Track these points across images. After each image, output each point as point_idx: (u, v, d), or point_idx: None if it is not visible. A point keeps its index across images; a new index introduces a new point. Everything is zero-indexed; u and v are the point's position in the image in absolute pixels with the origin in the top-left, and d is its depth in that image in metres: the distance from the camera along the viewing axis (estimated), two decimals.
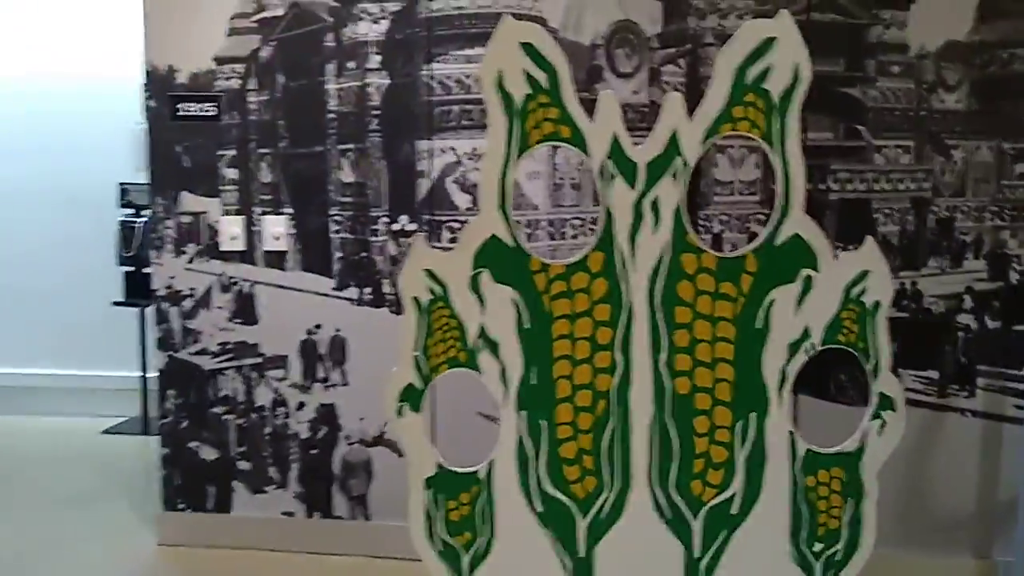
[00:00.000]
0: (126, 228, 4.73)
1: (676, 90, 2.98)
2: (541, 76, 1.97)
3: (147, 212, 4.25)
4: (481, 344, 2.04)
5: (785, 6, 2.92)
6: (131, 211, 4.75)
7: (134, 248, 4.72)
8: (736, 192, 2.91)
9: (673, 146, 1.99)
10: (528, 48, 1.96)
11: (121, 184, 4.77)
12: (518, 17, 2.97)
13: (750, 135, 2.00)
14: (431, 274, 2.03)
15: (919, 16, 2.83)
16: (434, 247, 2.14)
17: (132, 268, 4.73)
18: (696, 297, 2.03)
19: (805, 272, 2.00)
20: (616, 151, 1.99)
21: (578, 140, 1.99)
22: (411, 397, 2.06)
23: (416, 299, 2.03)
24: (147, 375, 4.81)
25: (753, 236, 2.99)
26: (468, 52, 3.04)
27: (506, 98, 1.98)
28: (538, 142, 2.00)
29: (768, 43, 1.96)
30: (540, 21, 3.00)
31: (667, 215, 2.00)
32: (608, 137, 1.99)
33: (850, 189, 2.88)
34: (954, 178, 2.87)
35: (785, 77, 1.97)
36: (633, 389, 2.03)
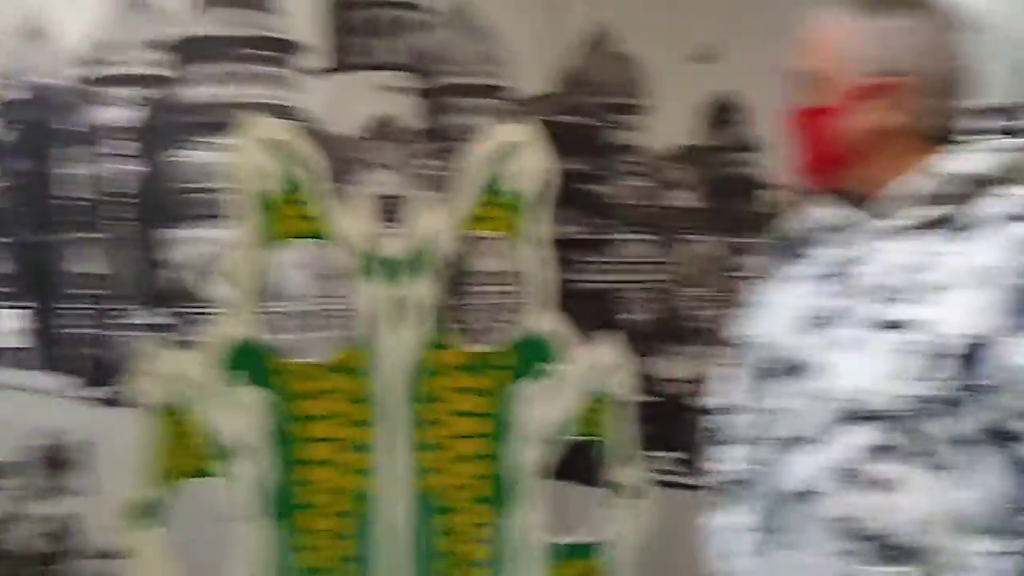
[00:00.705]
0: None
1: (432, 182, 3.05)
2: (296, 173, 1.96)
3: None
4: (228, 449, 1.95)
5: (532, 108, 3.11)
6: None
7: None
8: (491, 285, 2.99)
9: (427, 244, 2.02)
10: (282, 145, 1.95)
11: None
12: (278, 108, 2.97)
13: (497, 234, 2.07)
14: (174, 377, 1.93)
15: (657, 120, 3.07)
16: (181, 344, 2.04)
17: None
18: (450, 393, 2.05)
19: (551, 366, 2.08)
20: (371, 248, 2.00)
21: (332, 237, 1.99)
22: (150, 511, 1.93)
23: (156, 404, 1.93)
24: None
25: (490, 325, 3.08)
26: (222, 141, 2.97)
27: (259, 194, 1.94)
28: (291, 238, 1.98)
29: (516, 147, 2.06)
30: (300, 113, 2.99)
31: (421, 311, 2.03)
32: (363, 234, 2.00)
33: (598, 280, 3.04)
34: (692, 269, 3.09)
35: (532, 180, 2.07)
36: (389, 489, 2.01)
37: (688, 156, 3.08)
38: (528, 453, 2.06)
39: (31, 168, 2.97)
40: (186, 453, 1.93)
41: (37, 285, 2.98)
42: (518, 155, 2.05)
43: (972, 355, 1.10)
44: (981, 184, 1.17)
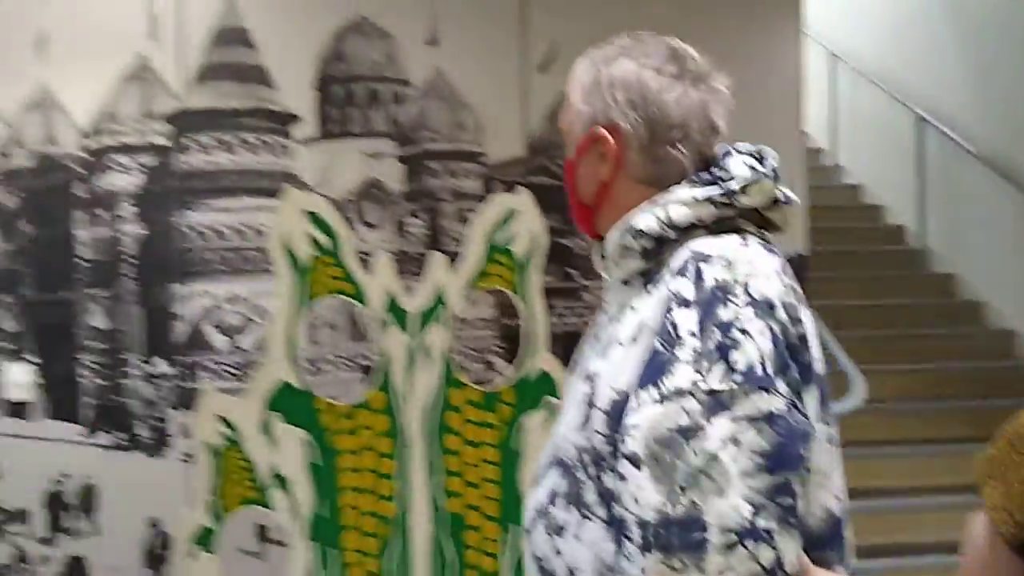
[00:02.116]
0: None
1: (416, 240, 3.36)
2: (324, 239, 2.25)
3: None
4: (273, 482, 2.21)
5: (506, 171, 3.45)
6: None
7: None
8: (475, 328, 3.30)
9: (439, 298, 2.34)
10: (312, 215, 2.24)
11: None
12: (274, 175, 3.24)
13: (501, 288, 2.40)
14: (223, 419, 2.19)
15: None
16: (222, 392, 2.30)
17: None
18: (464, 426, 2.36)
19: (550, 399, 2.41)
20: (391, 303, 2.30)
21: (358, 294, 2.29)
22: (205, 539, 2.17)
23: (208, 443, 2.18)
24: None
25: (489, 364, 3.40)
26: (224, 203, 3.23)
27: (292, 258, 2.23)
28: (321, 296, 2.27)
29: (512, 213, 2.40)
30: (293, 177, 3.27)
31: (436, 356, 2.33)
32: (384, 291, 2.30)
33: (570, 323, 3.39)
34: None
35: (527, 241, 2.41)
36: (413, 512, 2.30)
37: None
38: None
39: (38, 231, 3.17)
40: (236, 486, 2.18)
41: (44, 340, 3.17)
42: (516, 219, 2.39)
43: (613, 411, 1.09)
44: (677, 233, 1.13)
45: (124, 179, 3.19)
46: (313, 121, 3.30)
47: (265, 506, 2.16)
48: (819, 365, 1.13)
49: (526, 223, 2.37)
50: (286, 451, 2.17)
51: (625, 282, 1.16)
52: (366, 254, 3.21)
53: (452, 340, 2.30)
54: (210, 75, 3.24)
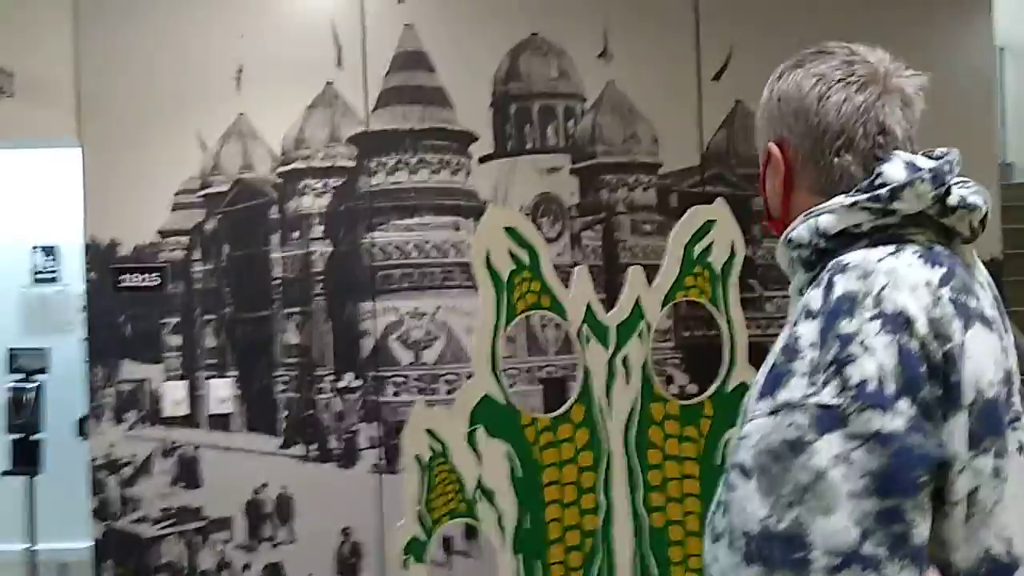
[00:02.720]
0: (15, 394, 4.59)
1: (593, 252, 3.38)
2: (523, 255, 2.28)
3: (39, 377, 4.21)
4: (479, 495, 2.25)
5: (677, 183, 3.43)
6: (20, 376, 4.63)
7: (23, 415, 4.58)
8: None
9: (637, 311, 2.34)
10: (511, 232, 2.28)
11: (10, 349, 4.65)
12: (454, 192, 3.32)
13: (699, 300, 2.38)
14: (431, 433, 2.25)
15: None
16: (431, 406, 2.36)
17: (21, 435, 4.57)
18: (664, 440, 2.34)
19: None
20: (590, 317, 2.32)
21: (558, 308, 2.31)
22: (415, 549, 2.23)
23: (418, 457, 2.24)
24: (36, 547, 4.58)
25: (670, 377, 3.37)
26: (407, 221, 3.33)
27: (494, 274, 2.27)
28: (523, 311, 2.30)
29: (709, 224, 2.37)
30: (473, 195, 3.34)
31: (636, 370, 2.33)
32: (583, 305, 2.32)
33: (751, 334, 3.32)
34: None
35: (724, 252, 2.38)
36: (615, 526, 2.30)
37: None
38: None
39: (236, 252, 3.35)
40: (445, 498, 2.23)
41: (242, 356, 3.34)
42: (712, 233, 2.36)
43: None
44: (833, 242, 1.09)
45: (314, 201, 3.34)
46: (490, 139, 3.37)
47: (473, 518, 2.20)
48: (988, 388, 1.02)
49: (723, 233, 2.34)
50: (491, 464, 2.21)
51: (801, 292, 1.13)
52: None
53: (652, 354, 2.29)
54: (392, 99, 3.35)
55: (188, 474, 3.30)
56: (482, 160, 3.36)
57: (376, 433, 3.33)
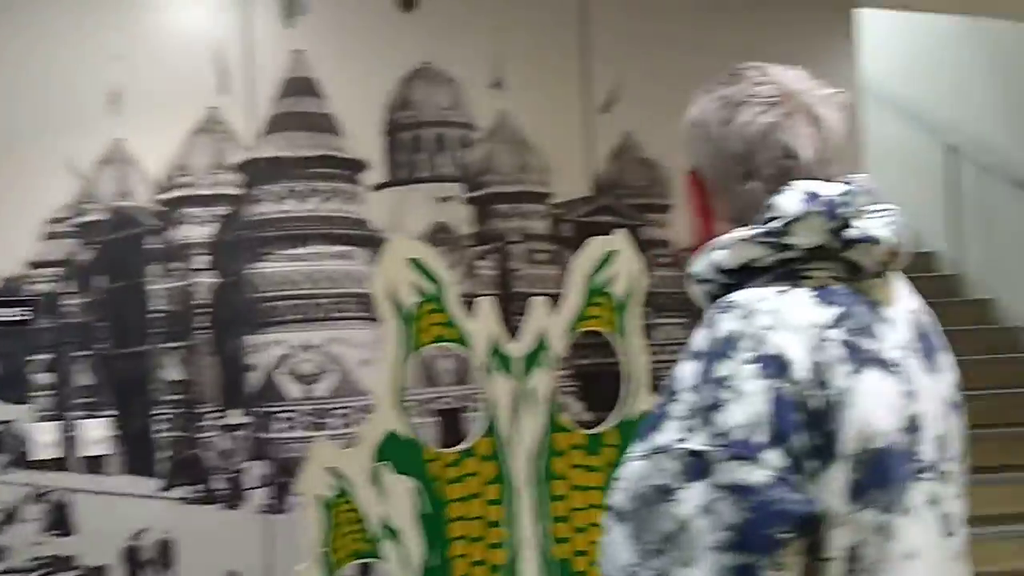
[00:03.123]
0: None
1: (489, 282, 3.37)
2: (428, 287, 2.25)
3: None
4: (384, 533, 2.19)
5: (569, 213, 3.47)
6: None
7: None
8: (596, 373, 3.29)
9: (542, 342, 2.33)
10: (416, 263, 2.24)
11: None
12: (344, 221, 3.25)
13: (601, 329, 2.40)
14: (334, 471, 2.17)
15: (680, 217, 3.46)
16: (336, 440, 2.29)
17: None
18: (570, 470, 2.34)
19: None
20: (495, 348, 2.30)
21: (462, 340, 2.28)
22: None
23: (319, 496, 2.16)
24: None
25: (564, 406, 3.38)
26: (296, 251, 3.23)
27: (397, 306, 2.23)
28: (428, 343, 2.26)
29: (610, 255, 2.40)
30: (364, 223, 3.28)
31: (541, 400, 2.32)
32: (487, 337, 2.30)
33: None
34: None
35: (625, 282, 2.40)
36: (522, 560, 2.28)
37: None
38: None
39: (112, 284, 3.17)
40: (348, 538, 2.16)
41: (119, 394, 3.16)
42: (613, 264, 2.39)
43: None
44: (733, 277, 1.03)
45: (197, 230, 3.20)
46: (382, 167, 3.33)
47: (376, 557, 2.14)
48: (878, 438, 0.95)
49: (625, 264, 2.37)
50: (396, 501, 2.15)
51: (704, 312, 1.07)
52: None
53: (556, 385, 2.29)
54: (280, 125, 3.26)
55: (60, 521, 3.08)
56: (374, 189, 3.31)
57: (264, 472, 3.20)
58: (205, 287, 3.20)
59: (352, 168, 3.31)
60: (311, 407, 3.23)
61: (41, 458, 3.08)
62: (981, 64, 6.23)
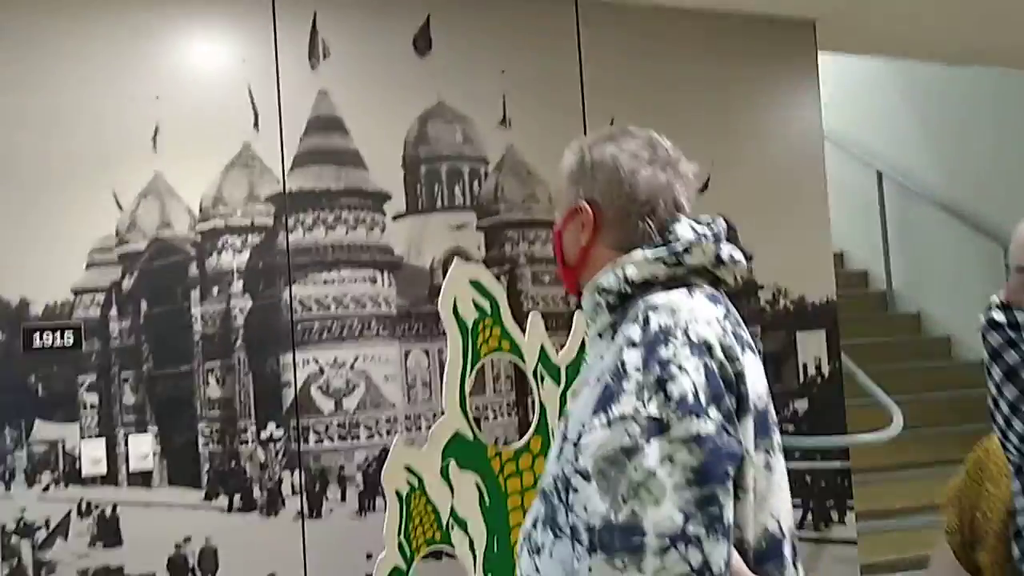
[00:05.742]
0: None
1: None
2: (485, 304, 2.56)
3: None
4: (452, 523, 2.48)
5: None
6: None
7: None
8: None
9: (582, 352, 2.66)
10: (475, 283, 2.55)
11: None
12: (369, 248, 3.53)
13: None
14: (409, 468, 2.46)
15: None
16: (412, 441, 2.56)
17: None
18: None
19: None
20: (544, 358, 2.61)
21: (516, 351, 2.59)
22: None
23: (397, 491, 2.44)
24: None
25: None
26: (325, 276, 3.50)
27: (460, 322, 2.53)
28: (486, 354, 2.57)
29: None
30: (388, 250, 3.57)
31: None
32: (537, 348, 2.61)
33: None
34: None
35: None
36: None
37: None
38: None
39: (155, 309, 3.38)
40: (421, 529, 2.44)
41: (163, 411, 3.36)
42: None
43: (579, 441, 1.25)
44: (636, 289, 1.32)
45: (234, 258, 3.43)
46: (402, 198, 3.61)
47: (448, 544, 2.42)
48: (759, 400, 1.28)
49: None
50: (463, 495, 2.45)
51: (600, 335, 1.36)
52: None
53: None
54: (308, 160, 3.53)
55: (108, 533, 3.26)
56: (395, 218, 3.60)
57: (299, 480, 3.44)
58: (242, 310, 3.44)
59: (375, 199, 3.59)
60: (341, 419, 3.48)
61: (89, 474, 3.26)
62: (904, 99, 6.86)
